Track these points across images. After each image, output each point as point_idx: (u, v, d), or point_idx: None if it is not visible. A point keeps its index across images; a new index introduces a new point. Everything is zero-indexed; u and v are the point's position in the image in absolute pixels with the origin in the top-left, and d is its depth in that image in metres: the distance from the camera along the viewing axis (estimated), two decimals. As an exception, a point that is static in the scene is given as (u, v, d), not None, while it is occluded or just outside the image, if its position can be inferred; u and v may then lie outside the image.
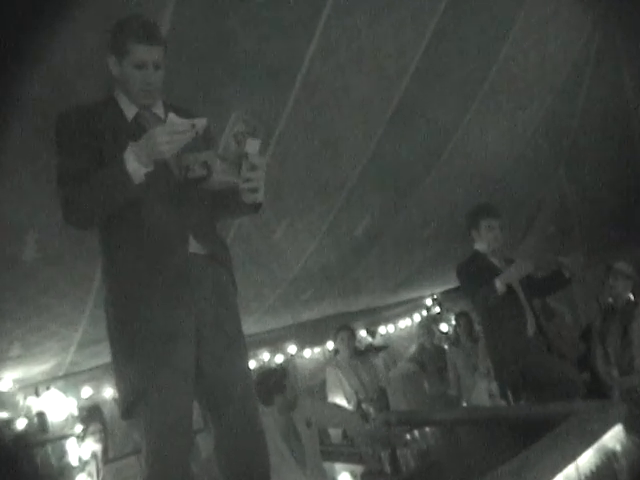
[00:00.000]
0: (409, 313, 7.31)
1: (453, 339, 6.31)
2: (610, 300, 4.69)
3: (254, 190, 2.00)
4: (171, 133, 1.82)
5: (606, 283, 4.79)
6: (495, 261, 3.87)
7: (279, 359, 5.69)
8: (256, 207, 2.10)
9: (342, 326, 5.51)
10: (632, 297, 4.58)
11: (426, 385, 5.75)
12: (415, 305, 7.42)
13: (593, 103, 4.87)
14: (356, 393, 5.14)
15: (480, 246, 3.88)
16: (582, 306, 6.53)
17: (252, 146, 1.87)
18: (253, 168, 1.92)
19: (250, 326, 4.90)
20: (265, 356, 5.56)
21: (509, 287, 3.68)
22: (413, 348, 6.26)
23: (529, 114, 4.62)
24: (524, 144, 4.81)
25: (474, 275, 3.73)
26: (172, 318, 1.97)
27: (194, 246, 2.06)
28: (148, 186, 1.93)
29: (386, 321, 6.96)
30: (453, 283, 6.61)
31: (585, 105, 4.90)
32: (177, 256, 1.99)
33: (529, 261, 3.67)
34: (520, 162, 4.95)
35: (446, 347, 6.28)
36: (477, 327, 5.79)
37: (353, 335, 5.51)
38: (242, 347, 2.18)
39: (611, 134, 5.22)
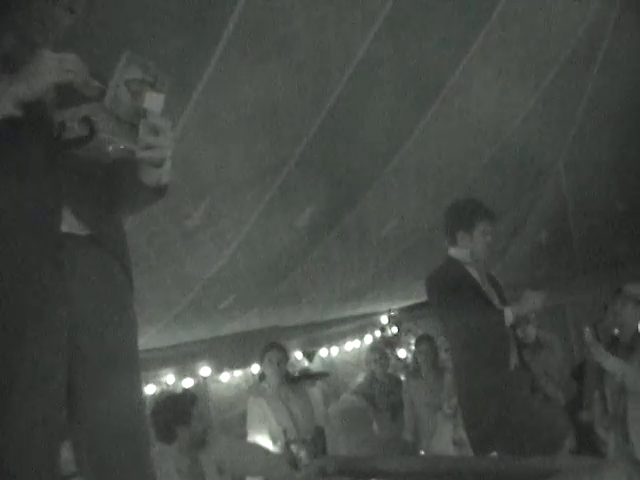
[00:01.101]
0: (359, 333, 7.38)
1: (412, 369, 6.31)
2: (615, 331, 4.76)
3: (156, 163, 1.88)
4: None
5: (610, 309, 4.88)
6: (475, 274, 3.93)
7: (187, 383, 5.62)
8: (160, 190, 1.99)
9: (271, 344, 5.47)
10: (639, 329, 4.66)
11: (375, 425, 5.79)
12: (367, 323, 7.49)
13: (606, 81, 4.98)
14: (285, 431, 5.11)
15: (459, 253, 3.93)
16: (577, 336, 6.66)
17: (154, 102, 1.75)
18: (154, 131, 1.79)
19: (151, 338, 4.81)
20: (169, 378, 5.46)
21: (493, 308, 3.79)
22: (361, 377, 6.30)
23: (525, 89, 4.68)
24: (515, 127, 4.91)
25: (453, 290, 3.76)
26: (36, 321, 1.83)
27: (71, 223, 1.91)
28: (10, 145, 1.81)
29: (329, 341, 7.00)
30: (416, 298, 6.91)
31: (597, 83, 5.02)
32: (44, 235, 1.85)
33: (542, 293, 3.75)
34: (509, 150, 5.08)
35: (403, 378, 6.36)
36: (443, 355, 5.86)
37: (285, 356, 5.51)
38: (133, 365, 2.06)
39: (626, 124, 5.37)
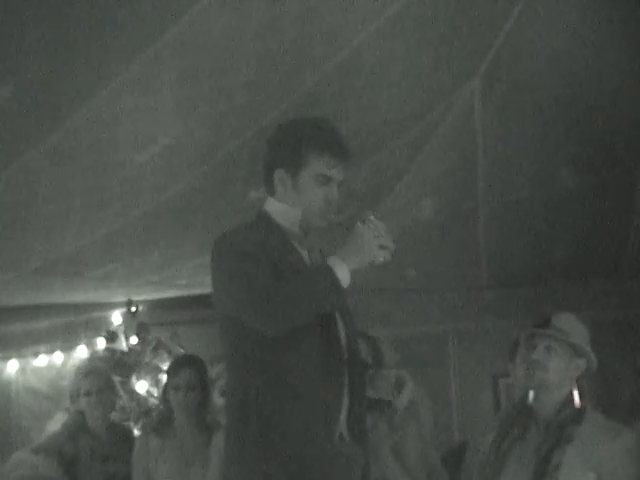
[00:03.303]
0: (64, 338, 7.34)
1: (158, 418, 6.31)
2: (530, 396, 4.80)
3: None
4: None
5: (522, 354, 5.01)
6: (303, 251, 3.98)
7: None
8: None
9: None
10: (577, 398, 4.73)
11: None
12: (83, 321, 7.48)
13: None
14: None
15: (282, 212, 3.95)
16: (463, 395, 6.89)
17: None
18: None
19: None
20: None
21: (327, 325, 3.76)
22: (58, 423, 6.28)
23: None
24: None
25: (259, 271, 3.67)
26: None
27: None
28: None
29: (2, 347, 6.95)
30: (186, 287, 6.99)
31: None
32: None
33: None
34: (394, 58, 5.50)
35: (137, 433, 6.50)
36: (219, 401, 5.99)
37: None
38: None
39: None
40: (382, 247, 3.65)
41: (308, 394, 3.71)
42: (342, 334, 3.89)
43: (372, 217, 3.74)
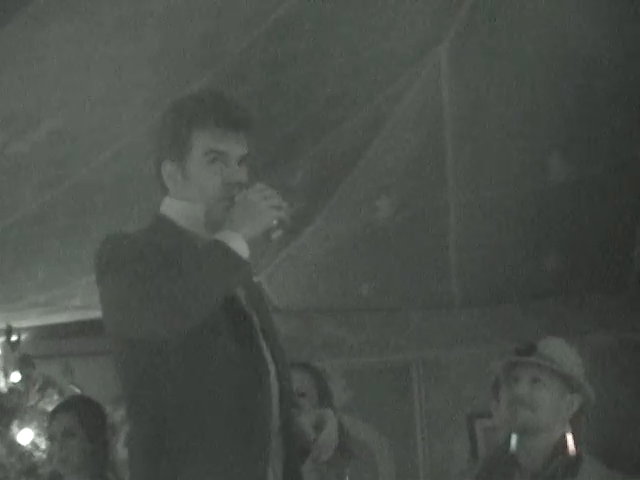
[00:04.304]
0: None
1: (48, 477, 6.30)
2: (512, 442, 4.80)
3: None
4: None
5: (505, 390, 4.95)
6: None
7: None
8: None
9: None
10: (571, 443, 4.74)
11: None
12: None
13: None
14: None
15: (179, 209, 3.97)
16: (432, 440, 6.95)
17: None
18: None
19: None
20: None
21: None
22: None
23: None
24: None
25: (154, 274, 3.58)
26: None
27: None
28: None
29: None
30: (76, 310, 7.10)
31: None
32: None
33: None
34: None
35: None
36: (124, 452, 5.29)
37: None
38: None
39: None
40: (275, 207, 3.65)
41: (231, 436, 3.58)
42: (268, 358, 3.77)
43: (245, 189, 3.75)
